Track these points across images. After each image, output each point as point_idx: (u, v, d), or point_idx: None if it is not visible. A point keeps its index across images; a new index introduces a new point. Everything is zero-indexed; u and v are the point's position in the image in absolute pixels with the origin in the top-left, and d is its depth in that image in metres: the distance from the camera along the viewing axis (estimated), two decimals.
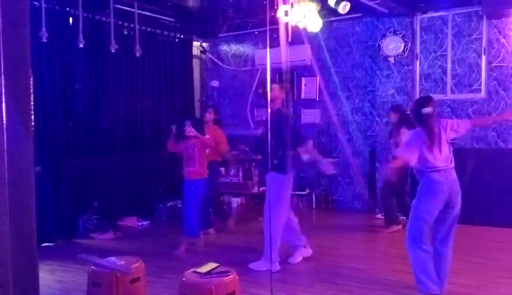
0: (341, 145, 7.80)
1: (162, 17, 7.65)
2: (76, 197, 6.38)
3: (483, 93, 6.79)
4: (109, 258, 3.69)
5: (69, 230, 6.23)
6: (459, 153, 6.67)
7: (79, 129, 6.60)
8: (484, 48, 6.74)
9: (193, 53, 8.71)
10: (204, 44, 9.01)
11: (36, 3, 5.64)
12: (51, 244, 5.93)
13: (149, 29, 7.49)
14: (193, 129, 5.44)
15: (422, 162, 4.02)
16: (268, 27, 5.05)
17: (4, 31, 2.20)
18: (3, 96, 2.22)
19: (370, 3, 6.72)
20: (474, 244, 5.63)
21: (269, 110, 4.78)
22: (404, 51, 7.18)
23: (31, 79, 2.42)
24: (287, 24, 4.49)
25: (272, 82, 4.97)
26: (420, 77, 7.20)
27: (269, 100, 4.74)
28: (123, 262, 3.59)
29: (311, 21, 4.92)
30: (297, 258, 5.10)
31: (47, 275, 4.64)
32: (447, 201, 3.93)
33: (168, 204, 7.47)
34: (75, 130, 6.58)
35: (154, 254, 5.38)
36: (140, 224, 7.01)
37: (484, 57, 6.75)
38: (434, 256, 3.99)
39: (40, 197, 5.14)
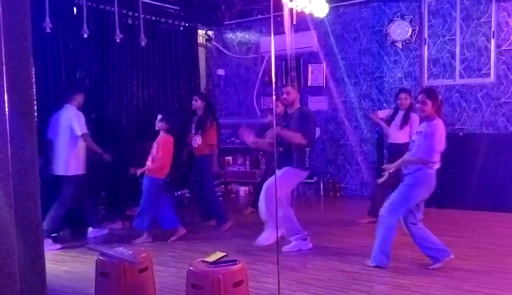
0: (348, 132, 7.75)
1: (166, 5, 7.59)
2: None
3: (492, 78, 6.70)
4: (117, 248, 3.68)
5: (78, 221, 6.24)
6: (469, 138, 6.68)
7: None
8: (493, 32, 6.63)
9: (198, 42, 8.65)
10: (209, 32, 8.93)
11: None
12: (59, 234, 5.95)
13: (153, 18, 7.44)
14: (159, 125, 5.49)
15: (435, 156, 4.15)
16: (271, 14, 5.00)
17: (4, 20, 2.16)
18: (5, 86, 2.20)
19: None
20: (484, 231, 5.58)
21: (274, 112, 4.87)
22: (411, 36, 7.09)
23: (33, 69, 2.38)
24: (291, 9, 4.42)
25: (285, 85, 5.12)
26: (428, 62, 7.11)
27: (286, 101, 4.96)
28: (131, 252, 3.58)
29: (317, 6, 4.83)
30: (293, 248, 5.05)
31: (56, 266, 4.66)
32: None
33: (176, 194, 7.45)
34: None
35: (162, 244, 5.38)
36: None
37: (493, 41, 6.65)
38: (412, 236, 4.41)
39: (47, 188, 5.16)
